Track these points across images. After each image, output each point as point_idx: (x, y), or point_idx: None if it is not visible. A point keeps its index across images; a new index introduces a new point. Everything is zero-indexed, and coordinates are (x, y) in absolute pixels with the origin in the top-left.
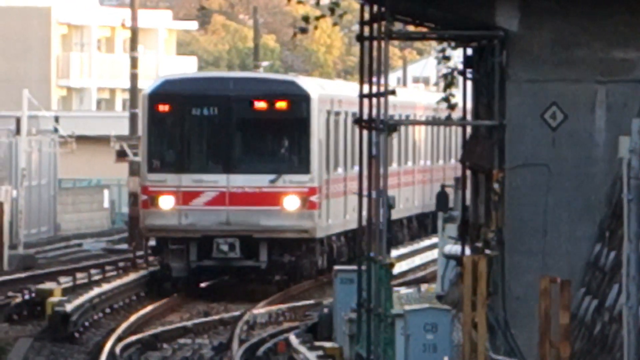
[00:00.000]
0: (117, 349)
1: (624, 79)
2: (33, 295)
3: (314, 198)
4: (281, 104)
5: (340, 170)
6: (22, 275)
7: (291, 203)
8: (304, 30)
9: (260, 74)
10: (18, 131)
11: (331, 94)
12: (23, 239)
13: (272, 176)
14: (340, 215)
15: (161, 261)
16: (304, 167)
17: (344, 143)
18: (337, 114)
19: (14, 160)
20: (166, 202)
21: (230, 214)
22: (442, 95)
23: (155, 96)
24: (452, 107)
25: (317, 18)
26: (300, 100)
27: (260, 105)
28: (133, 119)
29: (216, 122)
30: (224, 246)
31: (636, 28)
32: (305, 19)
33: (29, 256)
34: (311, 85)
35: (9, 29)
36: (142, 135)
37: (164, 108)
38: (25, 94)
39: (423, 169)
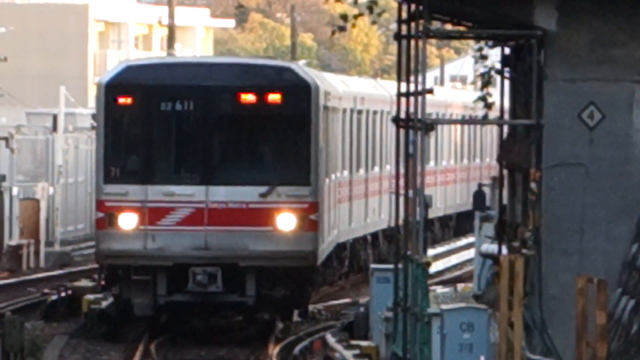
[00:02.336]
0: (152, 347)
1: None
2: (69, 292)
3: (314, 216)
4: (274, 97)
5: (361, 171)
6: (59, 272)
7: (287, 222)
8: (342, 29)
9: (247, 58)
10: (55, 128)
11: (353, 90)
12: (59, 237)
13: (263, 188)
14: (361, 218)
15: (118, 295)
16: (302, 176)
17: (365, 143)
18: (360, 112)
19: (50, 158)
20: (127, 221)
21: (209, 236)
22: (479, 94)
23: (114, 86)
24: (489, 106)
25: (356, 17)
26: (298, 92)
27: (248, 98)
28: None
29: (191, 120)
30: (202, 277)
31: None
32: (344, 17)
33: (66, 253)
34: (312, 74)
35: (47, 26)
36: (96, 135)
37: (125, 101)
38: (62, 91)
39: (460, 168)
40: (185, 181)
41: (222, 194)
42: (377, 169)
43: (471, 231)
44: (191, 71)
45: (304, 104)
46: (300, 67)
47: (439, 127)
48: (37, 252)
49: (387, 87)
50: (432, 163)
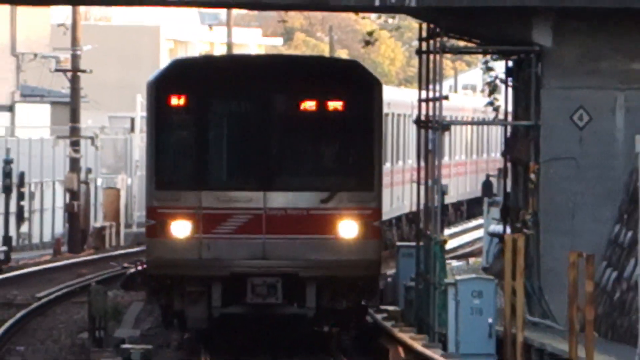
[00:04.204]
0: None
1: None
2: (144, 266)
3: (377, 223)
4: (337, 97)
5: (387, 164)
6: (136, 249)
7: (349, 230)
8: (368, 43)
9: (310, 56)
10: (132, 129)
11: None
12: (136, 220)
13: (324, 194)
14: (387, 204)
15: (167, 306)
16: (366, 181)
17: (391, 140)
18: (387, 114)
19: (129, 154)
20: (181, 229)
21: (267, 244)
22: (487, 100)
23: (166, 85)
24: (496, 109)
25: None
26: (362, 92)
27: (310, 99)
28: None
29: (249, 122)
30: (261, 288)
31: None
32: (370, 33)
33: (141, 234)
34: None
35: (125, 44)
36: (148, 138)
37: (177, 102)
38: (138, 99)
39: (470, 162)
40: (242, 186)
41: (281, 200)
42: (400, 162)
43: (480, 214)
44: (249, 68)
45: (367, 105)
46: (362, 65)
47: (453, 127)
48: (117, 233)
49: (409, 94)
50: (447, 158)
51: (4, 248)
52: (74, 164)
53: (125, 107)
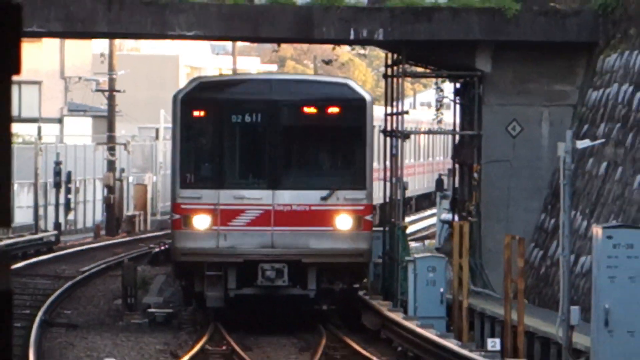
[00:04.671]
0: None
1: (561, 104)
2: (166, 246)
3: (369, 217)
4: (333, 110)
5: None
6: (160, 233)
7: (345, 223)
8: (327, 62)
9: (308, 75)
10: (157, 137)
11: None
12: (160, 209)
13: (323, 192)
14: None
15: (188, 287)
16: (359, 182)
17: None
18: None
19: (154, 157)
20: (202, 222)
21: (275, 235)
22: (437, 114)
23: (189, 100)
24: (439, 122)
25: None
26: (355, 105)
27: (310, 111)
28: None
29: (259, 131)
30: (270, 272)
31: (570, 69)
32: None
33: (164, 220)
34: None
35: (152, 70)
36: (173, 145)
37: (199, 114)
38: (162, 113)
39: (426, 164)
40: (254, 186)
41: (287, 198)
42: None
43: (434, 205)
44: (259, 86)
45: (359, 116)
46: (356, 83)
47: (412, 135)
48: (145, 220)
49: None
50: (407, 160)
51: (55, 232)
52: (111, 165)
53: (151, 120)
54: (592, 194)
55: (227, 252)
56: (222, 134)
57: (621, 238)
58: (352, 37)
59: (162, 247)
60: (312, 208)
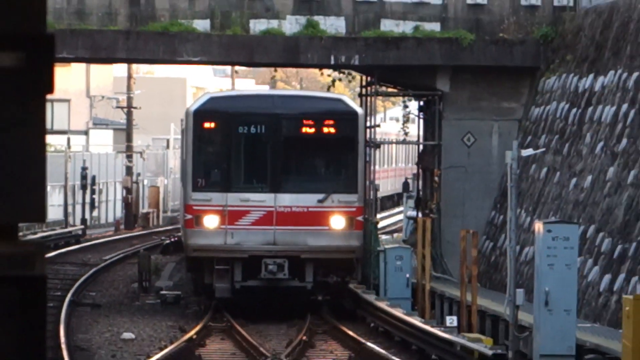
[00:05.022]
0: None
1: (508, 118)
2: (176, 238)
3: (360, 218)
4: (329, 122)
5: None
6: (170, 227)
7: (339, 223)
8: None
9: (307, 92)
10: (168, 147)
11: None
12: (170, 207)
13: (320, 196)
14: None
15: (199, 280)
16: (351, 186)
17: None
18: None
19: (165, 163)
20: (211, 222)
21: (277, 234)
22: (404, 127)
23: (201, 113)
24: (406, 134)
25: (334, 81)
26: (348, 118)
27: (308, 123)
28: None
29: (263, 141)
30: (272, 266)
31: (516, 89)
32: (333, 81)
33: (174, 217)
34: (357, 107)
35: (163, 90)
36: (186, 153)
37: (209, 125)
38: (172, 127)
39: (395, 169)
40: (258, 190)
41: (287, 200)
42: None
43: (401, 204)
44: (263, 101)
45: (352, 128)
46: (348, 98)
47: (383, 145)
48: (158, 216)
49: None
50: (379, 166)
51: (82, 226)
52: (128, 170)
53: (163, 132)
54: (534, 195)
55: (234, 249)
56: (229, 143)
57: (559, 232)
58: (332, 62)
59: (172, 239)
60: (310, 209)
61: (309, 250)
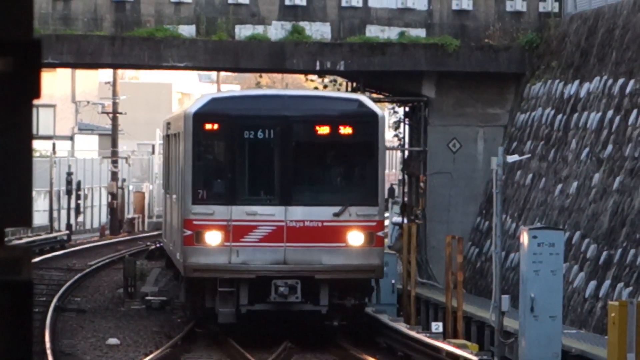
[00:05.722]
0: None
1: (494, 124)
2: (160, 244)
3: (380, 233)
4: (346, 126)
5: None
6: (154, 233)
7: (357, 239)
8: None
9: (320, 91)
10: (153, 152)
11: None
12: (155, 213)
13: (336, 208)
14: None
15: (199, 304)
16: (371, 198)
17: None
18: None
19: (150, 169)
20: (214, 238)
21: (288, 251)
22: (392, 133)
23: (202, 116)
24: (400, 139)
25: (316, 88)
26: (367, 121)
27: (322, 127)
28: None
29: (272, 147)
30: (283, 288)
31: (501, 96)
32: (315, 88)
33: (159, 222)
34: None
35: (149, 95)
36: (184, 161)
37: (211, 130)
38: (157, 132)
39: None
40: (266, 202)
41: (299, 214)
42: None
43: (387, 209)
44: (271, 102)
45: (371, 132)
46: (367, 99)
47: None
48: (143, 222)
49: None
50: None
51: (67, 232)
52: (114, 176)
53: (148, 137)
54: (520, 201)
55: (240, 268)
56: (234, 149)
57: (544, 238)
58: (317, 67)
59: (158, 245)
60: (325, 224)
61: (324, 270)
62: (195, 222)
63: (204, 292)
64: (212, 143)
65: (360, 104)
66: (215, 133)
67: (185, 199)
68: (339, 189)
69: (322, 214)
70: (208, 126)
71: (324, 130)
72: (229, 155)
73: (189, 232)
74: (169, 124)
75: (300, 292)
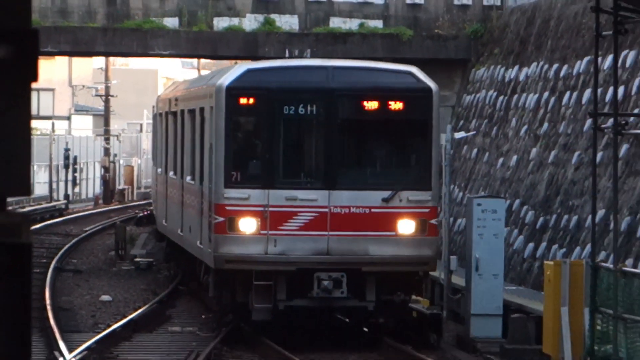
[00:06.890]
0: None
1: (443, 105)
2: (148, 212)
3: (434, 221)
4: (397, 101)
5: None
6: (143, 202)
7: (408, 227)
8: None
9: (369, 62)
10: (141, 130)
11: None
12: (143, 184)
13: (385, 193)
14: None
15: (231, 299)
16: (424, 181)
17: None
18: None
19: (139, 145)
20: (249, 226)
21: (331, 241)
22: None
23: (236, 89)
24: None
25: None
26: (420, 96)
27: (371, 102)
28: None
29: (315, 124)
30: (328, 282)
31: (450, 79)
32: None
33: (146, 193)
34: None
35: (137, 80)
36: (215, 139)
37: (246, 104)
38: (145, 112)
39: None
40: (308, 186)
41: (344, 199)
42: None
43: None
44: (314, 74)
45: (425, 109)
46: (420, 71)
47: None
48: (132, 192)
49: None
50: None
51: (65, 201)
52: (106, 151)
53: (137, 117)
54: (466, 172)
55: (278, 260)
56: (272, 127)
57: (488, 205)
58: (287, 55)
59: (145, 213)
60: (373, 210)
61: (372, 262)
62: (227, 208)
63: (234, 285)
64: (247, 119)
65: (414, 76)
66: (251, 108)
67: (216, 181)
68: (389, 172)
69: (369, 199)
70: (243, 100)
71: (372, 105)
72: (266, 133)
73: (220, 219)
74: (176, 99)
75: (345, 287)
